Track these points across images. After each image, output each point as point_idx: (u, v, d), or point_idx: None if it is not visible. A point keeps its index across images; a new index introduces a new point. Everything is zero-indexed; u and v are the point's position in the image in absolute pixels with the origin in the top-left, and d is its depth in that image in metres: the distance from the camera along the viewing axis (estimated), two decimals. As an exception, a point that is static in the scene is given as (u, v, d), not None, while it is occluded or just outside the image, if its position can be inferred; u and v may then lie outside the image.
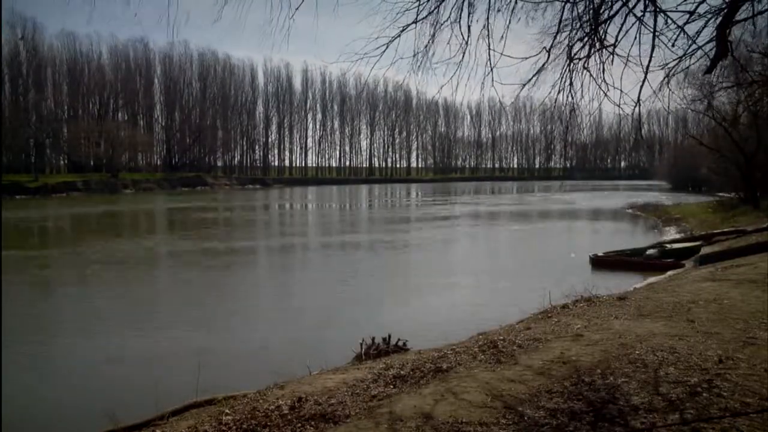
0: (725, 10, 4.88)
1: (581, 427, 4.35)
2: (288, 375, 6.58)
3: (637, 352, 5.93)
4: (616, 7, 5.02)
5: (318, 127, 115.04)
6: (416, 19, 5.30)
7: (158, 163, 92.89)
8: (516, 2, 5.31)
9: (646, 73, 5.03)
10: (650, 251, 18.91)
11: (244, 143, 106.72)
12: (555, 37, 5.35)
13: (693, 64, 5.81)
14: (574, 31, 5.33)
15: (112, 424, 5.72)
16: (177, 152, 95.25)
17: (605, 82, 5.44)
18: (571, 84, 5.51)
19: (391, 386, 5.52)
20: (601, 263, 17.94)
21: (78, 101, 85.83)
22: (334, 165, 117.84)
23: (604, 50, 5.31)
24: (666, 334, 6.61)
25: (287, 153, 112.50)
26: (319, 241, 27.05)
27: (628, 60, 5.21)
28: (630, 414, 4.48)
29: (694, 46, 5.13)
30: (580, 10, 5.21)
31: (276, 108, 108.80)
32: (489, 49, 5.40)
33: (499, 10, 5.30)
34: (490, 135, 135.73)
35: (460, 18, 5.35)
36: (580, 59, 5.39)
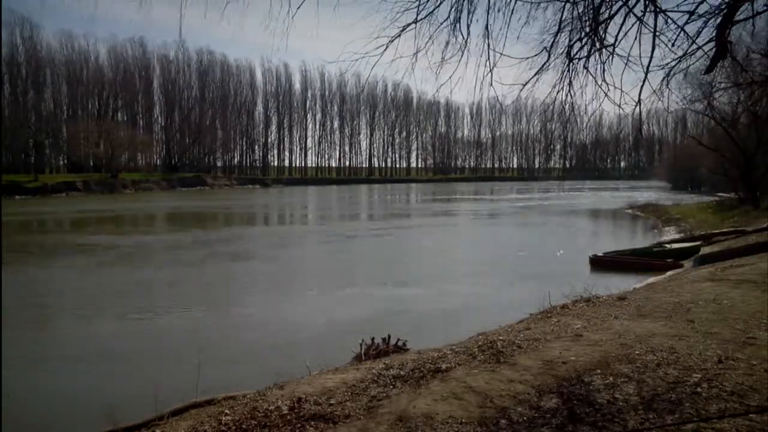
0: (725, 11, 4.88)
1: (581, 427, 4.35)
2: (288, 375, 6.57)
3: (636, 352, 5.92)
4: (616, 7, 5.02)
5: (318, 127, 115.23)
6: (416, 18, 5.30)
7: (158, 163, 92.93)
8: (516, 2, 5.31)
9: (646, 73, 5.03)
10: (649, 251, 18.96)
11: (244, 143, 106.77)
12: (555, 37, 5.35)
13: (693, 64, 5.81)
14: (574, 31, 5.32)
15: (111, 424, 5.72)
16: (176, 152, 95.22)
17: (605, 82, 5.43)
18: (570, 84, 5.51)
19: (391, 386, 5.52)
20: (601, 263, 17.94)
21: (77, 101, 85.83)
22: (333, 165, 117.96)
23: (604, 50, 5.30)
24: (665, 335, 6.61)
25: (287, 153, 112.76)
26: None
27: (628, 60, 5.21)
28: (629, 414, 4.48)
29: (694, 46, 5.13)
30: (580, 10, 5.21)
31: (275, 108, 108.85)
32: (489, 48, 5.39)
33: (499, 10, 5.29)
34: (489, 135, 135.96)
35: (460, 18, 5.35)
36: (580, 59, 5.39)
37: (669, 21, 4.85)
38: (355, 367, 6.66)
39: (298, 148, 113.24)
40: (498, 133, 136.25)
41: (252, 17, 5.71)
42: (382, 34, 5.31)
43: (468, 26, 5.38)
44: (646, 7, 4.76)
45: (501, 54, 5.41)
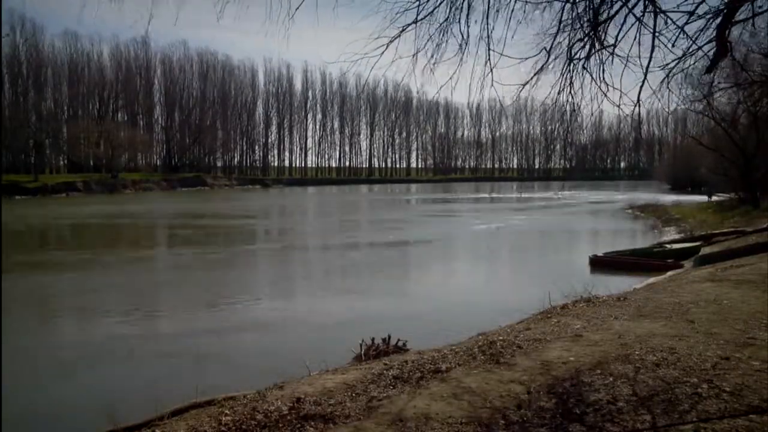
0: (724, 11, 4.88)
1: (579, 428, 4.35)
2: (287, 375, 6.58)
3: (636, 352, 5.92)
4: (615, 7, 5.03)
5: (318, 127, 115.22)
6: (416, 19, 5.31)
7: (158, 163, 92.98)
8: (515, 2, 5.32)
9: (645, 74, 5.03)
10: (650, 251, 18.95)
11: (244, 143, 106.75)
12: (555, 38, 5.36)
13: (693, 64, 5.81)
14: (574, 32, 5.33)
15: (111, 424, 5.72)
16: (177, 152, 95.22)
17: (605, 82, 5.43)
18: (570, 84, 5.51)
19: (391, 387, 5.52)
20: (601, 264, 17.91)
21: (78, 101, 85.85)
22: (333, 165, 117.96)
23: (603, 50, 5.30)
24: (665, 335, 6.60)
25: (287, 153, 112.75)
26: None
27: (627, 60, 5.21)
28: (629, 414, 4.48)
29: (693, 47, 5.13)
30: (579, 11, 5.21)
31: (276, 108, 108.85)
32: (488, 49, 5.40)
33: (498, 10, 5.30)
34: (489, 135, 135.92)
35: (460, 18, 5.35)
36: (579, 60, 5.39)
37: (669, 21, 4.84)
38: (355, 368, 6.66)
39: (298, 148, 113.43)
40: (498, 134, 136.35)
41: (253, 20, 5.72)
42: (383, 35, 5.32)
43: (467, 27, 5.38)
44: (645, 7, 4.76)
45: (501, 54, 5.42)
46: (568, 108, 5.78)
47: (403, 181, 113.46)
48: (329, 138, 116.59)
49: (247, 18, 5.61)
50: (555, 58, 5.43)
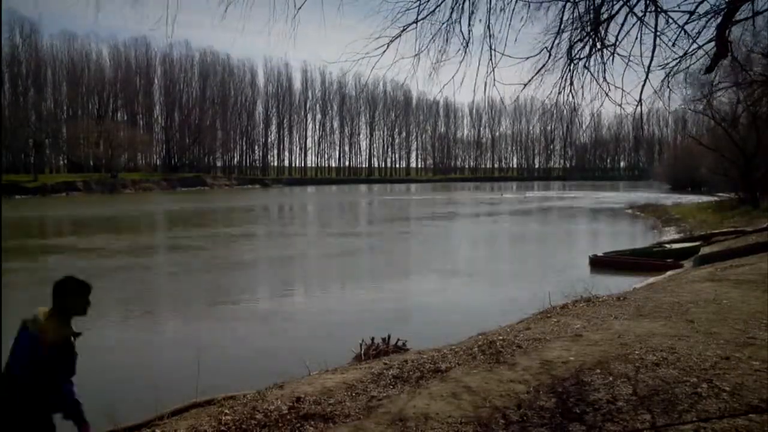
0: (725, 11, 4.88)
1: (579, 427, 4.35)
2: (287, 375, 6.58)
3: (636, 352, 5.92)
4: (616, 7, 5.03)
5: (317, 127, 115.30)
6: (417, 18, 5.31)
7: (157, 163, 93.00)
8: (517, 2, 5.32)
9: (647, 73, 5.03)
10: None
11: (244, 143, 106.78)
12: (556, 37, 5.36)
13: (693, 63, 5.81)
14: (575, 31, 5.33)
15: (112, 424, 5.71)
16: (176, 152, 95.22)
17: (606, 81, 5.43)
18: (571, 84, 5.51)
19: (391, 386, 5.52)
20: (601, 263, 17.90)
21: (77, 101, 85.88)
22: (333, 165, 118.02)
23: (604, 50, 5.30)
24: (665, 335, 6.60)
25: (287, 153, 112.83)
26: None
27: (629, 60, 5.21)
28: (629, 414, 4.48)
29: (694, 46, 5.13)
30: (581, 10, 5.22)
31: (276, 108, 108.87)
32: (490, 49, 5.40)
33: (501, 10, 5.30)
34: (489, 135, 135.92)
35: (461, 18, 5.35)
36: (580, 59, 5.39)
37: (670, 21, 4.85)
38: (355, 367, 6.66)
39: (298, 148, 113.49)
40: (497, 133, 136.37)
41: (256, 19, 5.72)
42: (384, 35, 5.33)
43: (469, 26, 5.38)
44: (646, 7, 4.77)
45: (502, 54, 5.43)
46: (568, 107, 5.79)
47: (403, 180, 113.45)
48: (329, 138, 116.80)
49: (249, 18, 5.62)
50: (557, 58, 5.44)
